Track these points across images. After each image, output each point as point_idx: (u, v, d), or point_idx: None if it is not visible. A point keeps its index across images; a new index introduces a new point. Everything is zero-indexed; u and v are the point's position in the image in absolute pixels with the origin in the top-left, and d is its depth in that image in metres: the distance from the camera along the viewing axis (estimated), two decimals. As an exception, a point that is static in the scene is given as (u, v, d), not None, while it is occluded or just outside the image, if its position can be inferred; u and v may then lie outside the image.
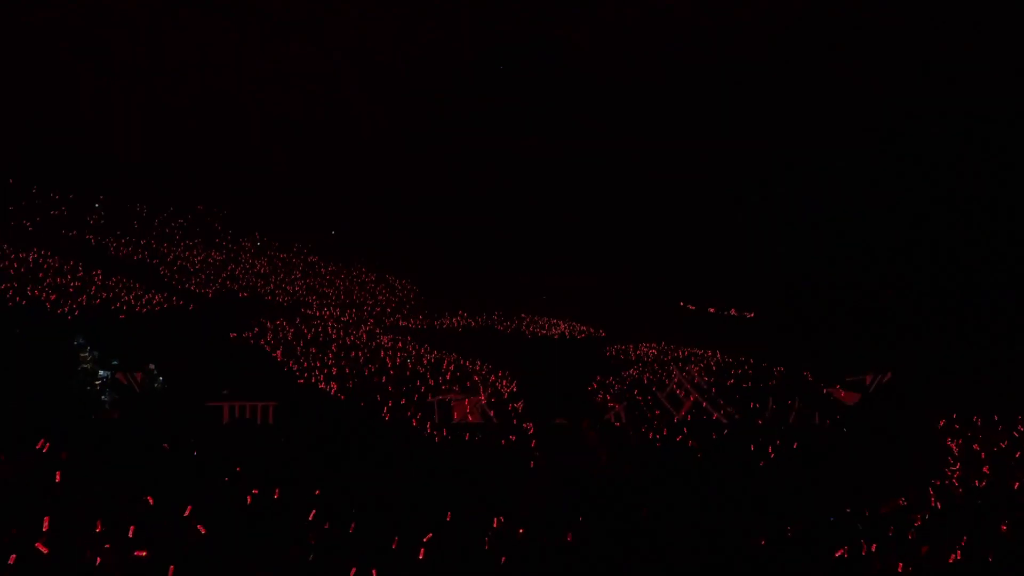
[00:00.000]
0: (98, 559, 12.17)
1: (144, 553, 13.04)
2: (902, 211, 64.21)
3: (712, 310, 54.06)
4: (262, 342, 38.43)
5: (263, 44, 73.64)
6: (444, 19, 76.95)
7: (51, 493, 15.03)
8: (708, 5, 73.54)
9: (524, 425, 30.99)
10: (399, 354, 39.38)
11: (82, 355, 30.55)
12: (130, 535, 13.30)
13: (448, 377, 36.07)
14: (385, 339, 42.81)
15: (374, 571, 13.68)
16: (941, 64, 66.53)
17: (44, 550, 12.41)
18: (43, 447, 17.41)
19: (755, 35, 73.43)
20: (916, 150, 65.23)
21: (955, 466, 29.00)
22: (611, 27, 77.93)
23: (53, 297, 36.97)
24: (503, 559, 16.21)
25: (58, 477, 15.61)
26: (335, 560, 14.88)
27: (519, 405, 33.68)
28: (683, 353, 44.62)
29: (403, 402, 31.95)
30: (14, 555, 11.58)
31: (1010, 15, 62.64)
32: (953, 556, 19.25)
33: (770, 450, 28.30)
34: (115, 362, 30.88)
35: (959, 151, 61.65)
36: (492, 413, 31.67)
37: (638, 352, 45.80)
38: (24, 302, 35.11)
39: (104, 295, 39.96)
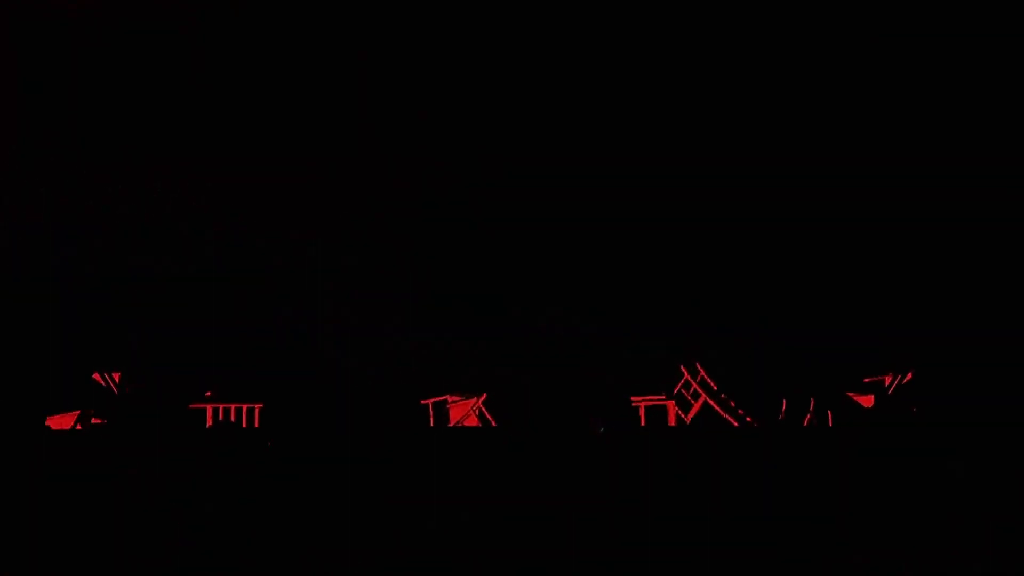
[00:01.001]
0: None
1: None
2: (909, 212, 64.38)
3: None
4: (275, 320, 38.87)
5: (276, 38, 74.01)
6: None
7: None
8: (708, 4, 74.16)
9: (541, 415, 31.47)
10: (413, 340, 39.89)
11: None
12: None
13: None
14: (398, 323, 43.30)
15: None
16: (941, 64, 67.11)
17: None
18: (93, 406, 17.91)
19: (756, 34, 74.08)
20: (926, 148, 65.37)
21: (957, 489, 29.53)
22: (611, 27, 78.65)
23: (74, 256, 37.37)
24: (539, 540, 16.69)
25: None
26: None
27: (533, 396, 34.14)
28: (691, 356, 45.15)
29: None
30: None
31: (1010, 15, 63.13)
32: (959, 568, 19.87)
33: (780, 456, 28.85)
34: (135, 328, 31.25)
35: (972, 148, 61.57)
36: (492, 414, 31.97)
37: (647, 353, 46.35)
38: (48, 260, 35.49)
39: (121, 259, 40.38)
